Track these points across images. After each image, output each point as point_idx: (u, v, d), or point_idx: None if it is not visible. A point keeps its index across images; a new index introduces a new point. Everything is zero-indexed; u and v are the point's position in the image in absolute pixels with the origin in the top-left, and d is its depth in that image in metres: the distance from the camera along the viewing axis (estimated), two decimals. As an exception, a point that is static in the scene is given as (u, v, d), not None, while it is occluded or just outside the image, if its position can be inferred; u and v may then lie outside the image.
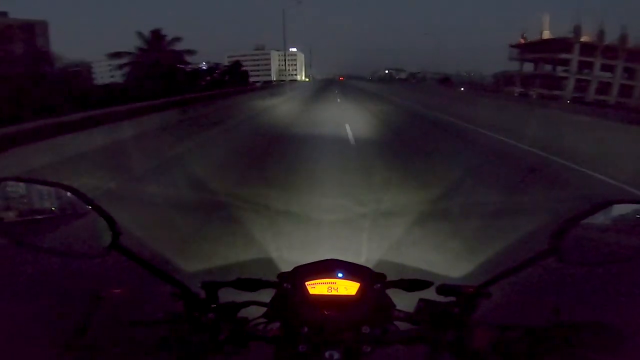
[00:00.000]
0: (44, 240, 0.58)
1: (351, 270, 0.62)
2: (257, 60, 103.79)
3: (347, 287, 0.60)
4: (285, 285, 0.62)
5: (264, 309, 0.65)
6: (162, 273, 0.59)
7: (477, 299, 0.60)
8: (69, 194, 0.55)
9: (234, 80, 40.70)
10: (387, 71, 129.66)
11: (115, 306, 0.59)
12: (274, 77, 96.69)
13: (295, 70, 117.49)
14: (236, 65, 48.26)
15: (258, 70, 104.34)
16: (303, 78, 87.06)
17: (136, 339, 0.56)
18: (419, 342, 0.60)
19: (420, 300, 0.64)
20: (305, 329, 0.57)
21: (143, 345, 0.56)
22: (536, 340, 0.54)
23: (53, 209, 0.57)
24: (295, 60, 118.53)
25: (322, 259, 0.65)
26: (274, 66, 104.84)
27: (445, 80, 68.97)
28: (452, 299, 0.62)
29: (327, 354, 0.55)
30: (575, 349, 0.52)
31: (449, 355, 0.58)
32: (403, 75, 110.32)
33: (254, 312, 0.65)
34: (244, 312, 0.65)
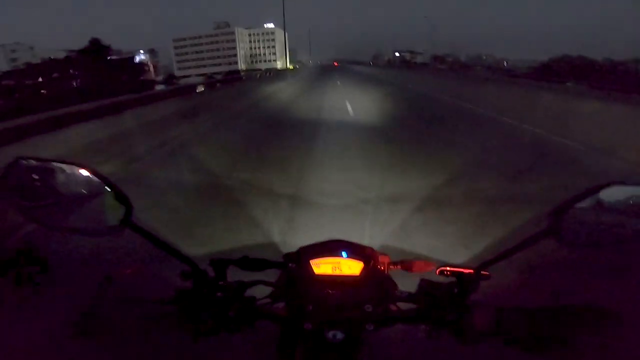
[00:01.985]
0: (58, 219, 0.58)
1: (355, 250, 0.63)
2: (218, 42, 78.17)
3: (350, 267, 0.61)
4: (290, 265, 0.63)
5: (270, 289, 0.66)
6: (173, 250, 0.59)
7: (477, 280, 0.61)
8: (82, 172, 0.55)
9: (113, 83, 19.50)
10: (397, 54, 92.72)
11: (126, 286, 0.61)
12: (241, 65, 72.89)
13: (274, 54, 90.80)
14: (98, 50, 25.68)
15: (219, 57, 78.95)
16: (286, 65, 64.64)
17: (146, 318, 0.57)
18: (420, 321, 0.61)
19: (422, 280, 0.64)
20: (310, 307, 0.58)
21: (153, 324, 0.57)
22: (536, 323, 0.54)
23: (67, 187, 0.57)
24: (272, 40, 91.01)
25: (327, 239, 0.65)
26: (242, 49, 79.88)
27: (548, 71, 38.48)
28: (453, 279, 0.63)
29: (330, 334, 0.56)
30: (575, 332, 0.52)
31: (449, 335, 0.59)
32: (423, 60, 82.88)
33: (261, 292, 0.65)
34: (251, 292, 0.65)
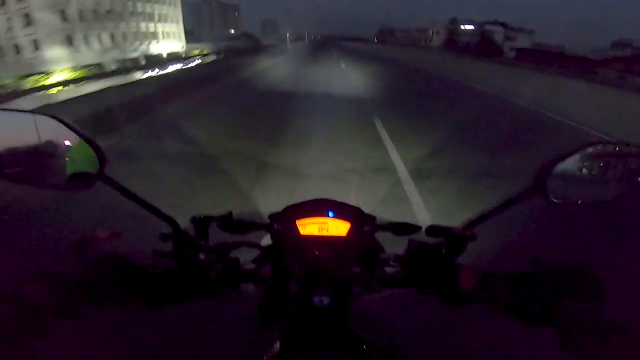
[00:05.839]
0: (26, 173, 0.53)
1: (342, 210, 0.62)
2: None
3: (337, 227, 0.61)
4: (276, 225, 0.62)
5: (255, 251, 0.64)
6: (151, 207, 0.56)
7: (464, 240, 0.61)
8: (52, 121, 0.50)
9: None
10: (466, 27, 41.97)
11: (103, 249, 0.57)
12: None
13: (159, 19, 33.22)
14: None
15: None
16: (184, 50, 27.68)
17: (125, 282, 0.55)
18: (407, 284, 0.62)
19: (410, 240, 0.64)
20: (297, 269, 0.58)
21: (133, 288, 0.55)
22: (518, 286, 0.56)
23: (36, 139, 0.51)
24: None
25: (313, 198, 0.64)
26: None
27: None
28: (441, 240, 0.63)
29: (316, 299, 0.55)
30: (557, 296, 0.54)
31: (435, 298, 0.60)
32: (524, 44, 35.08)
33: (247, 256, 0.64)
34: (236, 255, 0.63)
